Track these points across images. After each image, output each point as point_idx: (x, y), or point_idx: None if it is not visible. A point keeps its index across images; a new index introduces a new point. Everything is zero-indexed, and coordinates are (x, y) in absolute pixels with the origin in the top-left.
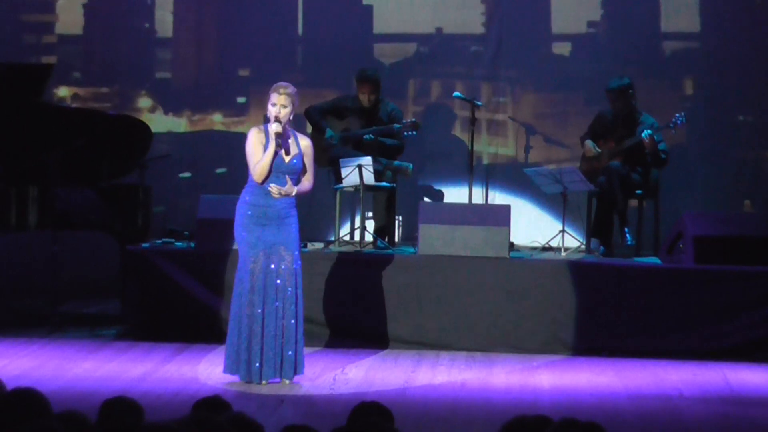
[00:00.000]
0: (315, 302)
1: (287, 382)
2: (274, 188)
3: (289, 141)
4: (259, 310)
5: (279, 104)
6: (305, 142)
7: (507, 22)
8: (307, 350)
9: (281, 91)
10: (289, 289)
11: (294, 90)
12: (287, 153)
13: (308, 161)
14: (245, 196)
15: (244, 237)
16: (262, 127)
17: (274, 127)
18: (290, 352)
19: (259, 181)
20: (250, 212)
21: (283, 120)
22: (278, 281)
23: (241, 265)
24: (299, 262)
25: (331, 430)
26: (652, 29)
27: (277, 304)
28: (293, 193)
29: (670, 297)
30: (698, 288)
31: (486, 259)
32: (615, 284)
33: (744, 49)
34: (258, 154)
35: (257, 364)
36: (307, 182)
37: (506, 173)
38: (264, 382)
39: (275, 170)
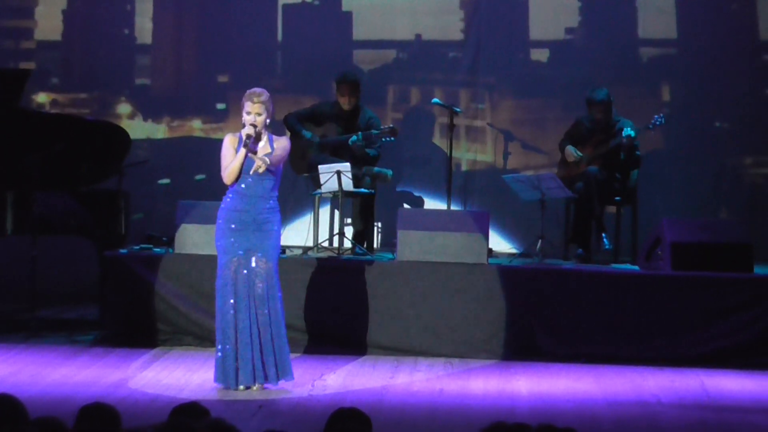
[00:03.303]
0: (294, 308)
1: (255, 387)
2: (258, 162)
3: (261, 144)
4: (232, 313)
5: (254, 113)
6: (281, 140)
7: (485, 28)
8: None
9: (255, 99)
10: (264, 295)
11: (267, 96)
12: (255, 154)
13: (278, 153)
14: (222, 203)
15: (220, 243)
16: (237, 133)
17: (245, 130)
18: (266, 358)
19: (228, 182)
20: (226, 218)
21: (259, 127)
22: (252, 287)
23: (218, 271)
24: (276, 268)
25: None
26: (630, 36)
27: (251, 309)
28: (268, 162)
29: (647, 303)
30: (676, 294)
31: (464, 266)
32: (593, 291)
33: (721, 55)
34: (229, 157)
35: (234, 369)
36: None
37: (485, 180)
38: (241, 387)
39: (245, 170)
